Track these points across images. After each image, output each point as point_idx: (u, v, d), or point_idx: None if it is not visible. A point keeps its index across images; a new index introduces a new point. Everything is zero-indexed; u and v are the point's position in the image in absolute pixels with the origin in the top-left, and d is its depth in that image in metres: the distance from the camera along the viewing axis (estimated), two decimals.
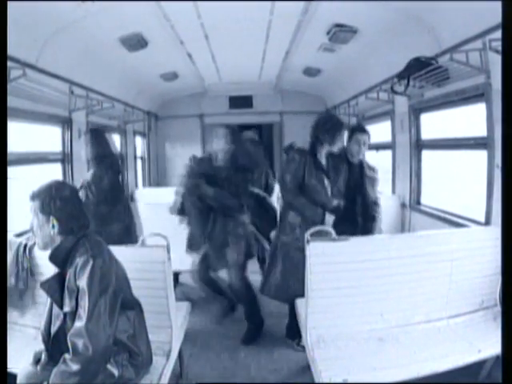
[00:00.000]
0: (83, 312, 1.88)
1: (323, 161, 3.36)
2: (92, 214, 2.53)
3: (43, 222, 2.00)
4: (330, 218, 3.34)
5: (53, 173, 4.24)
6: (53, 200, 1.98)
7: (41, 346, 2.16)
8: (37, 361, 2.12)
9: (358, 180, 3.66)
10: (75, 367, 1.83)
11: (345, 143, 3.62)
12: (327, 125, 3.30)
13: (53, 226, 1.99)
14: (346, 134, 3.57)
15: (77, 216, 2.05)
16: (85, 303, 1.89)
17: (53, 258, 2.03)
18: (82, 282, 1.91)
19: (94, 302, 1.89)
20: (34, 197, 2.00)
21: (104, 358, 1.95)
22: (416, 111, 4.82)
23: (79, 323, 1.88)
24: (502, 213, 2.07)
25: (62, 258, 2.02)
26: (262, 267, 4.35)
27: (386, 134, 5.71)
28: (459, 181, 4.56)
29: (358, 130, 3.76)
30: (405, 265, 2.70)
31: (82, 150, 3.80)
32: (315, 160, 3.29)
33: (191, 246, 3.85)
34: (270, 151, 8.78)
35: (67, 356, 1.87)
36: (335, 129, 3.30)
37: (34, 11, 3.20)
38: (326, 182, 3.32)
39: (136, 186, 7.35)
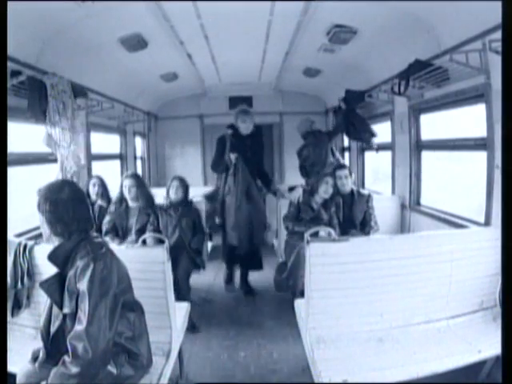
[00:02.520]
0: (83, 315, 1.88)
1: (314, 203, 4.37)
2: None
3: (42, 220, 2.01)
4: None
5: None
6: (45, 202, 1.98)
7: (40, 345, 2.16)
8: (35, 358, 2.12)
9: (349, 207, 4.49)
10: (75, 370, 1.83)
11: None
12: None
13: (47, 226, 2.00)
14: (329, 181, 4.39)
15: (66, 221, 2.01)
16: (85, 306, 1.88)
17: (52, 258, 2.02)
18: (83, 286, 1.90)
19: (95, 305, 1.89)
20: (38, 193, 2.01)
21: (103, 361, 1.95)
22: (416, 112, 4.82)
23: (79, 327, 1.88)
24: (502, 213, 2.06)
25: (62, 259, 2.01)
26: None
27: (385, 134, 5.71)
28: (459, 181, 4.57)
29: (337, 167, 4.70)
30: (405, 265, 2.70)
31: None
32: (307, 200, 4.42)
33: None
34: (270, 151, 8.78)
35: (67, 358, 1.87)
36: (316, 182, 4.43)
37: (34, 11, 3.20)
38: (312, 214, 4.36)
39: None
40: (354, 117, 5.87)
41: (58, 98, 3.75)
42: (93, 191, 4.58)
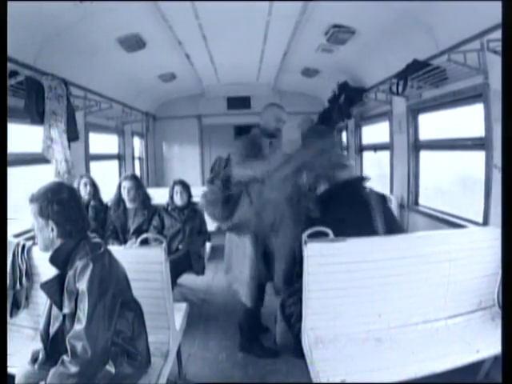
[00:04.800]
0: (82, 315, 1.88)
1: None
2: None
3: (43, 225, 2.00)
4: None
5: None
6: (50, 204, 1.97)
7: (39, 346, 2.16)
8: (34, 359, 2.12)
9: None
10: (74, 369, 1.83)
11: None
12: None
13: (52, 229, 1.99)
14: None
15: (75, 219, 2.03)
16: (84, 306, 1.89)
17: (53, 260, 2.03)
18: (82, 286, 1.91)
19: (94, 305, 1.89)
20: (32, 200, 2.00)
21: (102, 360, 1.95)
22: (414, 112, 4.83)
23: (78, 326, 1.88)
24: (502, 213, 2.06)
25: (62, 260, 2.02)
26: None
27: (384, 134, 5.72)
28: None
29: None
30: (403, 265, 2.69)
31: None
32: None
33: None
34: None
35: (66, 358, 1.87)
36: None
37: (33, 11, 3.20)
38: None
39: None
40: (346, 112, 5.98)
41: (54, 102, 3.74)
42: (85, 191, 4.52)
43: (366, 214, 2.86)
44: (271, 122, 3.61)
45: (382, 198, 3.05)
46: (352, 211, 2.82)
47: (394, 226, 2.95)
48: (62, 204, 1.99)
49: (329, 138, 4.97)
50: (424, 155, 4.87)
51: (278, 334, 2.93)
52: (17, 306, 2.76)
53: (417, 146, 4.90)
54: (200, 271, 4.35)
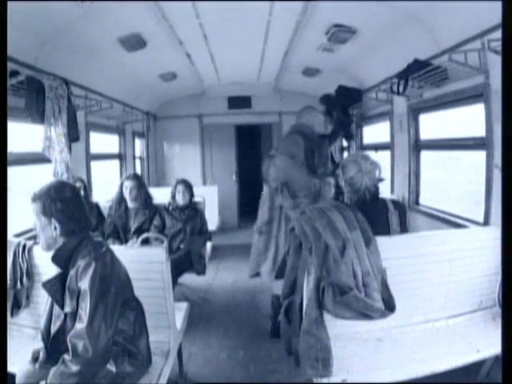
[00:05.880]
0: (84, 314, 1.89)
1: None
2: None
3: (45, 224, 2.00)
4: None
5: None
6: (53, 202, 1.97)
7: (39, 345, 2.16)
8: (35, 359, 2.12)
9: None
10: (75, 368, 1.83)
11: None
12: None
13: (55, 228, 1.99)
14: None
15: (78, 217, 2.04)
16: (86, 305, 1.89)
17: (55, 259, 2.03)
18: (84, 284, 1.91)
19: (95, 304, 1.89)
20: (35, 198, 2.00)
21: (103, 359, 1.95)
22: (415, 111, 4.83)
23: (80, 325, 1.88)
24: (502, 213, 2.06)
25: (64, 259, 2.02)
26: None
27: (384, 134, 5.71)
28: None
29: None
30: (403, 265, 2.68)
31: None
32: None
33: None
34: (269, 151, 8.78)
35: (67, 357, 1.87)
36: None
37: (33, 11, 3.20)
38: None
39: None
40: (345, 117, 5.96)
41: (54, 102, 3.74)
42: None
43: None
44: (315, 125, 3.69)
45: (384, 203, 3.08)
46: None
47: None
48: (65, 202, 2.00)
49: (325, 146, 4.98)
50: None
51: (281, 337, 2.94)
52: (17, 306, 2.76)
53: (417, 146, 4.89)
54: (201, 271, 4.36)
